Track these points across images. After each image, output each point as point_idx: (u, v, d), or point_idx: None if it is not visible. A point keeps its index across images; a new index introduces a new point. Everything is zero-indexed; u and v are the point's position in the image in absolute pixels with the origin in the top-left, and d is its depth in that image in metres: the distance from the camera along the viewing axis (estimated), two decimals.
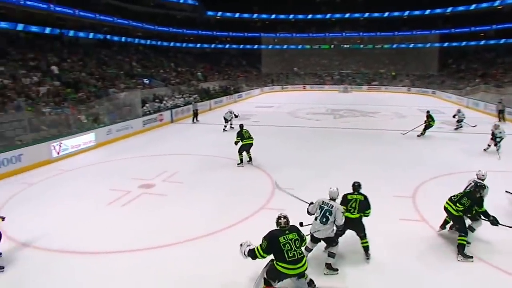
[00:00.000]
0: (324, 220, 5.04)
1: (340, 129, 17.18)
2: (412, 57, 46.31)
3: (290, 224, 4.47)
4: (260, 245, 4.33)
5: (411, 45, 47.51)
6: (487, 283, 4.96)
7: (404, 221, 6.61)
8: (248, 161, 10.72)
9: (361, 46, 50.06)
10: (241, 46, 49.55)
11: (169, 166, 10.48)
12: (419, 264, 5.37)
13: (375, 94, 38.70)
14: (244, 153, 10.64)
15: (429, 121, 14.62)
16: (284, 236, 4.25)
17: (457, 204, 5.51)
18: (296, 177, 9.42)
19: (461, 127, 16.40)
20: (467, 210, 5.48)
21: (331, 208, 5.07)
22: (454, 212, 5.53)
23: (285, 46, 51.15)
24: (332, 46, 50.78)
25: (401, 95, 37.42)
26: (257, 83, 41.43)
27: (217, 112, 23.23)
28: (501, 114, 18.88)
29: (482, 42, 41.97)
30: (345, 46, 50.43)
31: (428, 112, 14.97)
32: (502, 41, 38.95)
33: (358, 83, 44.01)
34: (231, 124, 16.78)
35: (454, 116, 16.61)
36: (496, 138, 11.65)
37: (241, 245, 4.63)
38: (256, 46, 49.61)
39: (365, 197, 5.45)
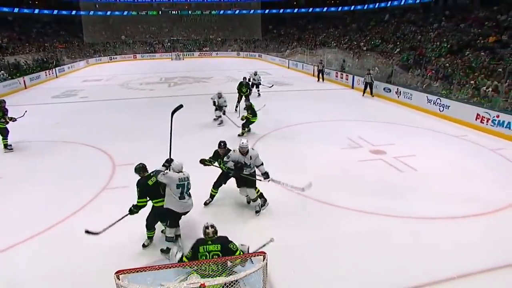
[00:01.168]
0: (189, 192, 5.02)
1: (176, 97, 17.25)
2: (238, 23, 49.11)
3: (219, 234, 4.06)
4: (187, 256, 4.01)
5: (237, 12, 50.00)
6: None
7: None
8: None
9: (189, 12, 50.03)
10: (55, 12, 43.02)
11: None
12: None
13: (207, 59, 39.91)
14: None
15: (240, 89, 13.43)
16: (204, 247, 3.94)
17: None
18: (135, 150, 9.23)
19: (258, 92, 15.96)
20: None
21: (188, 179, 4.99)
22: None
23: (108, 13, 46.83)
24: (160, 12, 49.16)
25: (232, 59, 39.56)
26: (81, 55, 37.24)
27: (34, 90, 20.18)
28: (320, 74, 21.13)
29: (296, 10, 47.29)
30: (173, 12, 49.50)
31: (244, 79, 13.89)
32: (311, 9, 44.73)
33: (189, 49, 44.28)
34: None
35: (249, 80, 14.62)
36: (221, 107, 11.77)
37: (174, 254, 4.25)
38: (74, 12, 43.91)
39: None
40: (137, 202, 4.88)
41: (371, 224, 5.75)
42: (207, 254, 3.89)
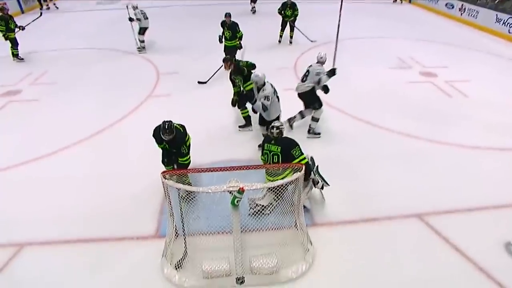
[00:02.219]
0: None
1: (219, 6, 16.41)
2: None
3: (283, 136, 4.01)
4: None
5: None
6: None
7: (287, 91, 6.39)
8: None
9: None
10: None
11: (33, 66, 9.27)
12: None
13: None
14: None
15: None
16: (268, 145, 3.98)
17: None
18: (178, 59, 9.45)
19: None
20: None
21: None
22: None
23: None
24: None
25: None
26: None
27: None
28: None
29: None
30: None
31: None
32: None
33: None
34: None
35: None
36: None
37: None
38: None
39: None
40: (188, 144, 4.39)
41: (413, 147, 5.65)
42: (268, 153, 3.96)
